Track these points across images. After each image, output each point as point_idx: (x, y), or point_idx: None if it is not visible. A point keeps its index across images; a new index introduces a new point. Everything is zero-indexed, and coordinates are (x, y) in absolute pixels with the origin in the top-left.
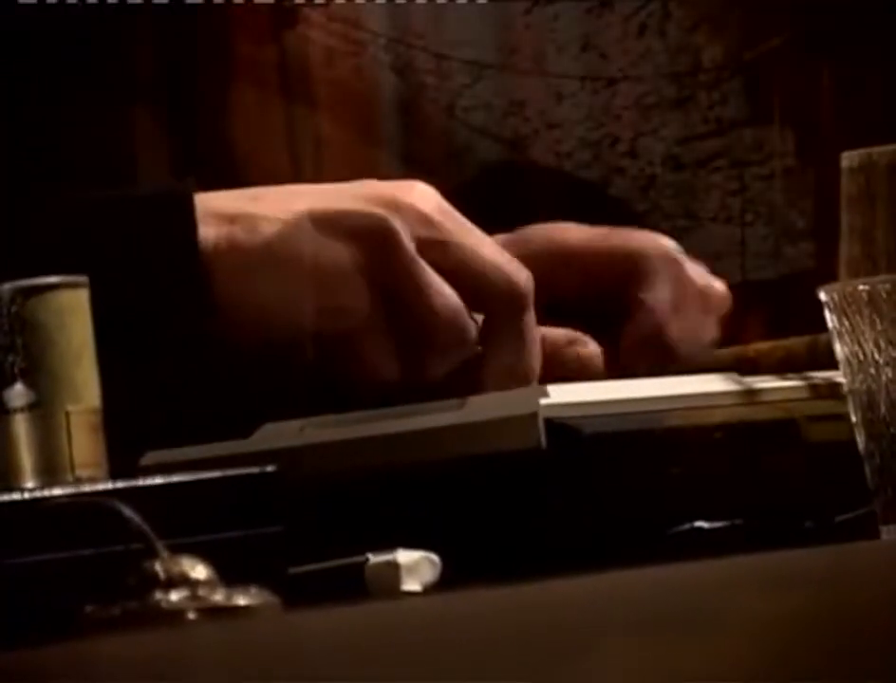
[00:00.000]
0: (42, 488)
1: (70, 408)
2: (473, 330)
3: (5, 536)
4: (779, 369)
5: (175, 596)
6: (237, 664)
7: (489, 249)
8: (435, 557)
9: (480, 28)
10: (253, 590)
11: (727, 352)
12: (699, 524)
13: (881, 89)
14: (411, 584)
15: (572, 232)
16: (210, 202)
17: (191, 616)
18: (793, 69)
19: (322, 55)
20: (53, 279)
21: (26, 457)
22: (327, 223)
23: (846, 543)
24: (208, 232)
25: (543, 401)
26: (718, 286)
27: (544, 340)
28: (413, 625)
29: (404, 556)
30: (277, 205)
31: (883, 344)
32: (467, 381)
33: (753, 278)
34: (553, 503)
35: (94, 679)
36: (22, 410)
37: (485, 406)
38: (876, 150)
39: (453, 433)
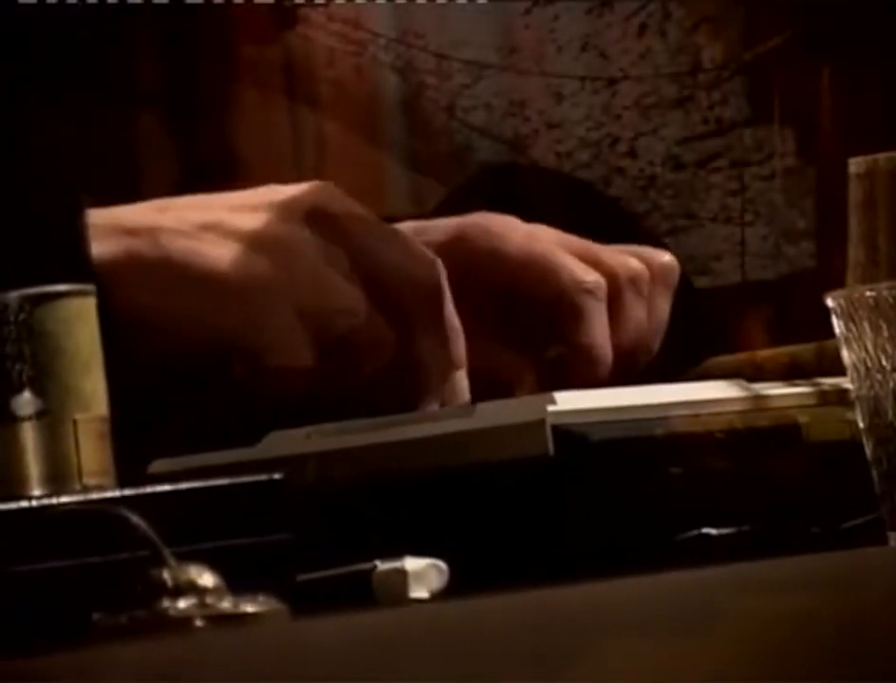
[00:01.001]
0: (49, 495)
1: (78, 416)
2: (383, 329)
3: (13, 544)
4: (786, 375)
5: (182, 603)
6: (245, 671)
7: (394, 245)
8: (442, 564)
9: (480, 28)
10: (261, 597)
11: (733, 358)
12: (706, 530)
13: (881, 89)
14: (419, 591)
15: (512, 239)
16: (112, 216)
17: (198, 623)
18: (793, 69)
19: (323, 55)
20: (61, 287)
21: (33, 465)
22: (233, 236)
23: (852, 548)
24: (107, 247)
25: (550, 408)
26: (659, 259)
27: None
28: (420, 632)
29: (412, 563)
30: (182, 217)
31: (889, 350)
32: (400, 385)
33: (753, 278)
34: (561, 509)
35: None
36: (30, 418)
37: (492, 413)
38: (882, 156)
39: (460, 441)
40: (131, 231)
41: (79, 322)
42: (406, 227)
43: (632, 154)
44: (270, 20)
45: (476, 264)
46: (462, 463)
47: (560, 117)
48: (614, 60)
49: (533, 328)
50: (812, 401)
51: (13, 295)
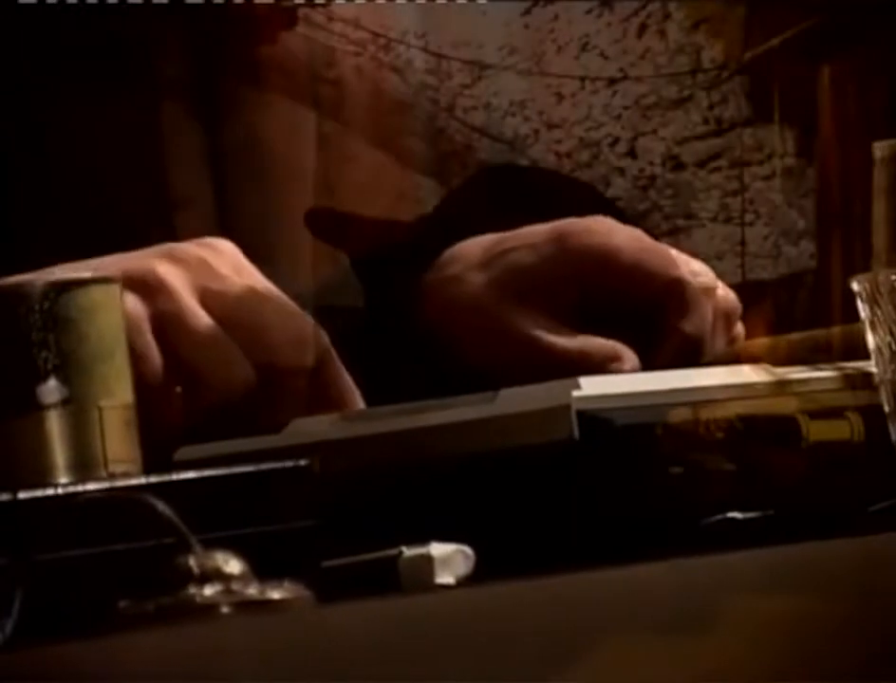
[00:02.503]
0: (75, 483)
1: (103, 403)
2: (245, 376)
3: (39, 532)
4: (812, 359)
5: (208, 590)
6: (271, 657)
7: (273, 305)
8: (468, 550)
9: (480, 28)
10: (287, 584)
11: (759, 343)
12: (731, 514)
13: (881, 89)
14: (445, 577)
15: (618, 235)
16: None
17: (224, 610)
18: (793, 69)
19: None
20: (84, 275)
21: (59, 453)
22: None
23: (878, 534)
24: None
25: (575, 393)
26: (732, 297)
27: (581, 352)
28: (446, 618)
29: (438, 549)
30: (64, 270)
31: None
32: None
33: (753, 278)
34: (586, 494)
35: (129, 674)
36: (55, 406)
37: (517, 398)
38: None
39: (485, 426)
40: None
41: (103, 309)
42: (488, 239)
43: (632, 154)
44: (282, 19)
45: (586, 260)
46: (487, 449)
47: (560, 117)
48: (614, 60)
49: (640, 321)
50: (835, 386)
51: (38, 283)
